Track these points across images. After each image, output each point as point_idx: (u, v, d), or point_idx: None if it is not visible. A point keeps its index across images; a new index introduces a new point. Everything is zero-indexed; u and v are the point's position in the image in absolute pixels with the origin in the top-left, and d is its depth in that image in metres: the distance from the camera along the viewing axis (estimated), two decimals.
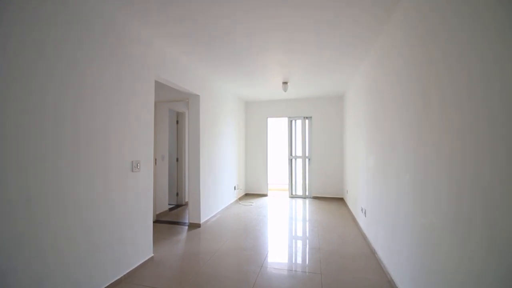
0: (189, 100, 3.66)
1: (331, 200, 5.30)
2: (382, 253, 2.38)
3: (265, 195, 5.85)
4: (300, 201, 5.34)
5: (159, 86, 3.50)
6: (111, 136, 2.03)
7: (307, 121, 5.71)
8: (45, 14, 1.53)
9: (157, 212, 4.08)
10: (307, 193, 5.65)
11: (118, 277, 2.08)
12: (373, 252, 2.66)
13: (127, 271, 2.18)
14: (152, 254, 2.54)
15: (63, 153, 1.64)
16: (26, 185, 1.43)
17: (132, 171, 2.25)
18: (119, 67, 2.11)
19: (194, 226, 3.61)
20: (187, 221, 3.83)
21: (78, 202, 1.74)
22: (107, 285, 1.97)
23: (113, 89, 2.05)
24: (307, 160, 5.69)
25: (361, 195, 3.42)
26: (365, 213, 3.12)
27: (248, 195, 5.86)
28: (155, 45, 2.58)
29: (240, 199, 5.45)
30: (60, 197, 1.62)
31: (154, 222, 3.79)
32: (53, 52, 1.57)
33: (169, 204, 4.62)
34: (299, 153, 5.76)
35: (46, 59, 1.53)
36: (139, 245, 2.35)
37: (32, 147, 1.46)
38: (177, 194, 4.94)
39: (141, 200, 2.38)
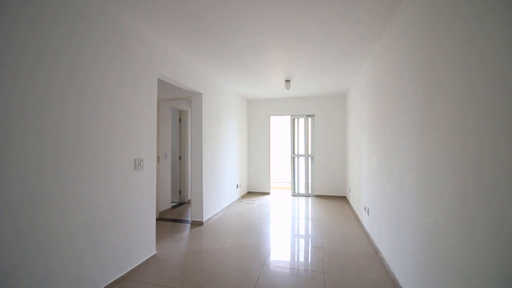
0: (192, 98, 3.66)
1: (334, 199, 5.28)
2: (385, 252, 2.37)
3: (267, 194, 5.84)
4: (302, 199, 5.33)
5: (162, 85, 3.50)
6: (114, 134, 2.03)
7: (309, 119, 5.68)
8: (49, 13, 1.53)
9: (160, 210, 4.10)
10: (309, 192, 5.64)
11: (121, 274, 2.09)
12: (376, 251, 2.65)
13: (130, 268, 2.19)
14: (155, 252, 2.55)
15: (65, 151, 1.65)
16: (29, 183, 1.44)
17: (135, 169, 2.25)
18: (123, 65, 2.11)
19: (197, 224, 3.62)
20: (189, 219, 3.85)
21: (81, 200, 1.75)
22: (110, 282, 1.98)
23: (116, 87, 2.05)
24: (309, 158, 5.67)
25: (364, 194, 3.40)
26: (368, 211, 3.10)
27: (250, 193, 5.86)
28: (158, 44, 2.58)
29: (243, 197, 5.45)
30: (63, 195, 1.63)
31: (157, 220, 3.81)
32: (56, 51, 1.57)
33: (171, 202, 4.64)
34: (301, 151, 5.74)
35: (49, 57, 1.53)
36: (142, 243, 2.36)
37: (34, 145, 1.47)
38: (180, 192, 4.96)
39: (144, 198, 2.39)
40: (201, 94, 3.60)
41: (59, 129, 1.60)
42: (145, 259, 2.38)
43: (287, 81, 4.19)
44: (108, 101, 1.97)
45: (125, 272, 2.13)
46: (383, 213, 2.45)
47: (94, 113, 1.85)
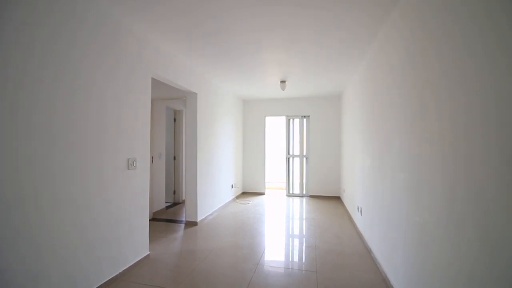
0: (187, 98, 3.65)
1: (328, 199, 5.32)
2: (377, 252, 2.40)
3: (262, 194, 5.85)
4: (297, 199, 5.35)
5: (157, 84, 3.48)
6: (106, 133, 2.01)
7: (305, 120, 5.71)
8: (38, 10, 1.50)
9: (154, 210, 4.07)
10: (304, 192, 5.67)
11: (114, 275, 2.08)
12: (368, 251, 2.68)
13: (123, 269, 2.18)
14: (148, 252, 2.54)
15: (56, 150, 1.62)
16: (20, 183, 1.42)
17: (128, 169, 2.24)
18: (113, 63, 2.09)
19: (191, 224, 3.61)
20: (184, 219, 3.83)
21: (74, 201, 1.74)
22: (102, 282, 1.97)
23: (107, 85, 2.02)
24: (304, 159, 5.70)
25: (357, 194, 3.44)
26: (361, 211, 3.14)
27: (245, 194, 5.86)
28: (151, 42, 2.56)
29: (238, 197, 5.45)
30: (54, 195, 1.61)
31: (151, 220, 3.79)
32: (45, 49, 1.54)
33: (166, 202, 4.61)
34: (296, 152, 5.77)
35: (38, 56, 1.51)
36: (135, 243, 2.34)
37: (24, 144, 1.45)
38: (174, 192, 4.93)
39: (138, 198, 2.37)
40: (196, 93, 3.59)
41: (49, 128, 1.58)
42: (138, 259, 2.37)
43: (283, 81, 4.21)
44: (98, 99, 1.94)
45: (118, 273, 2.12)
46: (376, 213, 2.49)
47: (84, 111, 1.81)
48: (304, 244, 2.99)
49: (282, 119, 5.90)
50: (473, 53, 1.05)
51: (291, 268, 2.40)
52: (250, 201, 5.19)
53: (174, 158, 4.94)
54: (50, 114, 1.58)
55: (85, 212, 1.82)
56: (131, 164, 2.26)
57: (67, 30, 1.69)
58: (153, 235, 3.06)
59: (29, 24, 1.46)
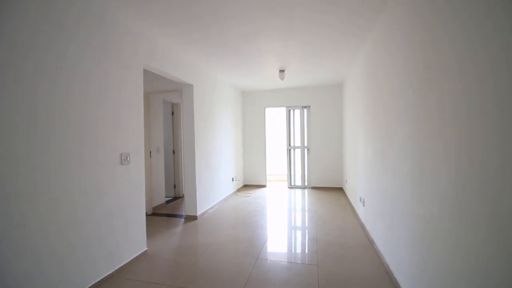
0: (183, 90, 3.54)
1: (330, 190, 5.25)
2: (380, 244, 2.33)
3: (263, 186, 5.80)
4: (299, 191, 5.29)
5: (152, 77, 3.37)
6: (96, 128, 1.93)
7: (305, 110, 5.59)
8: (36, 9, 1.50)
9: (154, 205, 4.04)
10: (306, 184, 5.60)
11: (110, 272, 2.04)
12: (371, 243, 2.62)
13: (119, 266, 2.14)
14: (146, 248, 2.49)
15: (42, 147, 1.55)
16: (1, 182, 1.36)
17: (122, 164, 2.17)
18: (101, 55, 1.99)
19: (191, 218, 3.56)
20: (183, 213, 3.79)
21: (66, 196, 1.68)
22: (99, 280, 1.93)
23: (94, 79, 1.93)
24: (305, 150, 5.61)
25: (359, 185, 3.35)
26: (363, 203, 3.06)
27: (246, 186, 5.81)
28: (145, 33, 2.46)
29: (238, 190, 5.40)
30: (37, 194, 1.54)
31: (150, 215, 3.76)
32: (43, 47, 1.55)
33: (166, 197, 4.57)
34: (297, 143, 5.67)
35: (35, 54, 1.51)
36: (131, 239, 2.30)
37: (6, 142, 1.38)
38: (174, 186, 4.89)
39: (133, 193, 2.31)
40: (192, 85, 3.48)
41: (31, 124, 1.50)
42: (135, 255, 2.32)
43: (281, 71, 4.07)
44: (84, 92, 1.85)
45: (114, 269, 2.08)
46: (378, 204, 2.41)
47: (64, 106, 1.69)
48: (305, 236, 2.94)
49: (282, 110, 5.78)
50: (484, 36, 0.93)
51: (292, 262, 2.34)
52: (251, 193, 5.14)
53: (173, 152, 4.88)
54: (32, 107, 1.50)
55: (78, 208, 1.77)
56: (124, 159, 2.19)
57: (65, 29, 1.70)
58: (152, 231, 3.03)
59: (27, 22, 1.46)
